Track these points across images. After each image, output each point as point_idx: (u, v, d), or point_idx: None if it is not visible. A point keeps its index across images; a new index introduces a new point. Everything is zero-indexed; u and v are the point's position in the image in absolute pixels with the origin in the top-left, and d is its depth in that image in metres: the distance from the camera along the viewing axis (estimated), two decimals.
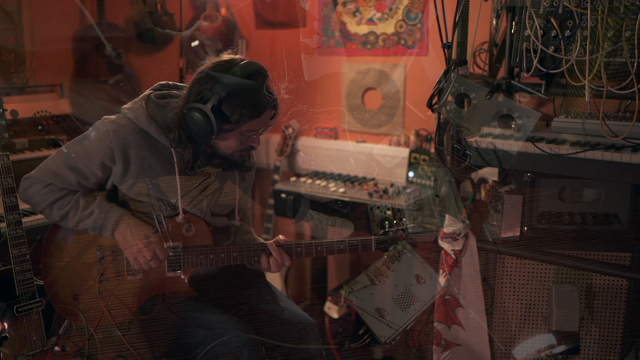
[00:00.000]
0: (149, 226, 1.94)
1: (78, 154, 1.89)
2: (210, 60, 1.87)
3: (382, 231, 2.08)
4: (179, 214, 1.94)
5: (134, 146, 1.87)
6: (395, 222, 2.10)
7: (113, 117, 1.93)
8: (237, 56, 1.88)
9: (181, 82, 2.11)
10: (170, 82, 2.04)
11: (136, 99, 1.94)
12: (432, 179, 2.43)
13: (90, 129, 1.92)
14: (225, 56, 1.88)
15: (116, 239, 1.93)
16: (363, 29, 3.34)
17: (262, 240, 2.10)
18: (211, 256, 1.98)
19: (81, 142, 1.91)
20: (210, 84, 1.79)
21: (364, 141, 3.43)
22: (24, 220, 2.13)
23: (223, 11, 3.51)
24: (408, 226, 2.08)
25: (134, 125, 1.88)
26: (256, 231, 3.14)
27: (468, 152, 2.22)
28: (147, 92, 1.97)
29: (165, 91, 1.99)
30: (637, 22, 1.89)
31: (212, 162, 1.97)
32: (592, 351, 2.30)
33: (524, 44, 2.15)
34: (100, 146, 1.87)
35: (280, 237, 2.02)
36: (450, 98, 2.20)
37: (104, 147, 1.86)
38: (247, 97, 1.81)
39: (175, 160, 1.91)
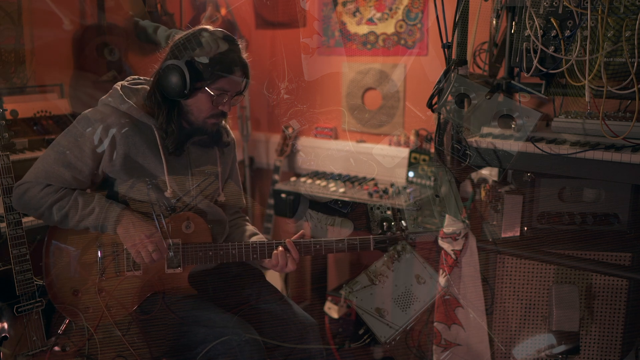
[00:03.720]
0: (150, 220, 1.96)
1: (67, 148, 1.93)
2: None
3: (380, 231, 2.08)
4: (172, 200, 1.98)
5: (117, 127, 1.93)
6: (393, 223, 2.11)
7: (91, 109, 1.99)
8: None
9: None
10: (141, 77, 2.11)
11: (110, 90, 2.01)
12: (432, 179, 2.43)
13: (73, 123, 1.97)
14: (203, 26, 1.97)
15: (118, 235, 1.94)
16: (363, 29, 3.34)
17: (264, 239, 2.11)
18: (210, 253, 1.99)
19: (66, 136, 1.95)
20: (185, 45, 1.89)
21: (364, 141, 3.43)
22: (24, 220, 2.13)
23: (223, 11, 3.50)
24: (409, 229, 2.09)
25: (114, 109, 1.95)
26: None
27: (468, 152, 2.22)
28: (118, 82, 2.04)
29: (136, 81, 2.07)
30: (637, 22, 1.89)
31: (185, 130, 2.00)
32: (592, 351, 2.30)
33: (524, 44, 2.15)
34: (86, 134, 1.92)
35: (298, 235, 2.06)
36: (450, 98, 2.20)
37: (89, 134, 1.91)
38: (220, 55, 1.90)
39: (157, 138, 1.96)
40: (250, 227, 2.23)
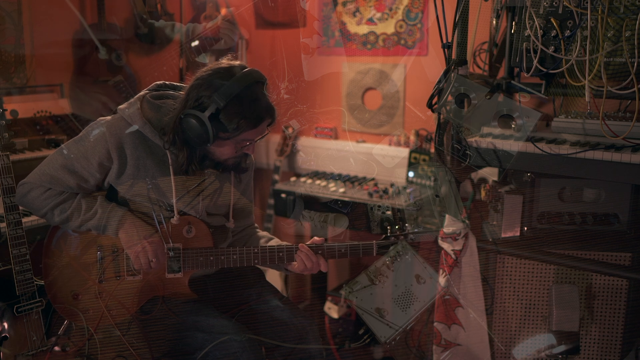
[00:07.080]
0: (152, 225, 1.94)
1: (75, 156, 1.89)
2: (209, 66, 1.85)
3: (383, 236, 2.08)
4: (174, 215, 1.94)
5: (129, 146, 1.87)
6: (397, 227, 2.10)
7: (108, 117, 1.92)
8: (237, 62, 1.86)
9: (181, 82, 2.11)
10: (167, 82, 2.03)
11: (132, 100, 1.93)
12: (432, 179, 2.43)
13: (85, 130, 1.92)
14: (225, 62, 1.86)
15: (119, 238, 1.94)
16: (363, 29, 3.34)
17: (286, 243, 2.08)
18: (211, 258, 1.98)
19: (77, 144, 1.90)
20: (209, 91, 1.78)
21: (364, 141, 3.43)
22: (24, 220, 2.13)
23: (223, 11, 3.50)
24: (410, 231, 2.09)
25: (129, 125, 1.88)
26: None
27: (468, 152, 2.22)
28: (142, 92, 1.96)
29: (162, 91, 1.98)
30: (637, 22, 1.89)
31: (206, 165, 1.96)
32: (592, 351, 2.30)
33: (524, 44, 2.15)
34: (96, 147, 1.87)
35: (316, 238, 2.02)
36: (450, 98, 2.20)
37: (100, 148, 1.86)
38: (246, 108, 1.80)
39: (170, 162, 1.91)
40: (263, 233, 2.20)
